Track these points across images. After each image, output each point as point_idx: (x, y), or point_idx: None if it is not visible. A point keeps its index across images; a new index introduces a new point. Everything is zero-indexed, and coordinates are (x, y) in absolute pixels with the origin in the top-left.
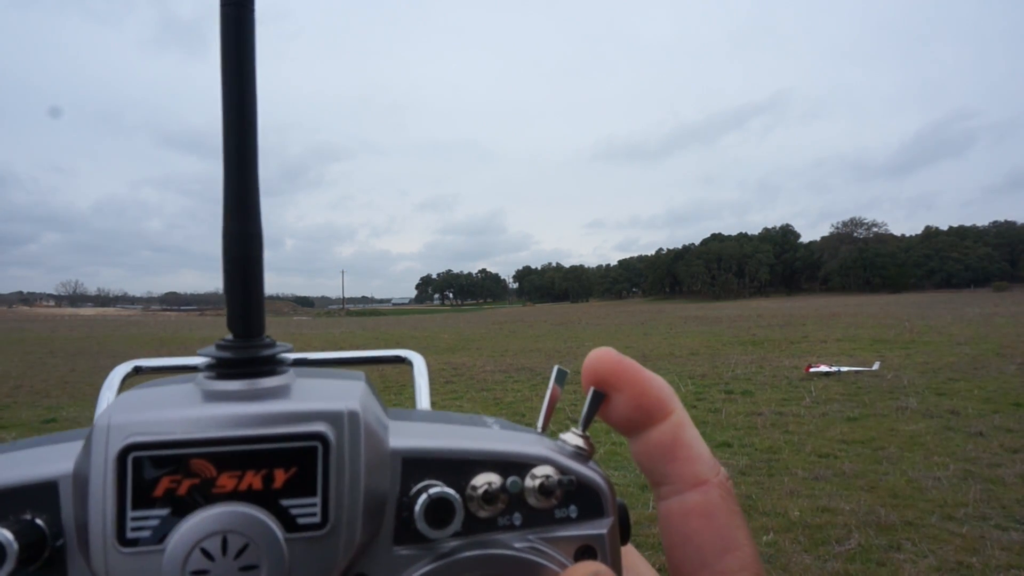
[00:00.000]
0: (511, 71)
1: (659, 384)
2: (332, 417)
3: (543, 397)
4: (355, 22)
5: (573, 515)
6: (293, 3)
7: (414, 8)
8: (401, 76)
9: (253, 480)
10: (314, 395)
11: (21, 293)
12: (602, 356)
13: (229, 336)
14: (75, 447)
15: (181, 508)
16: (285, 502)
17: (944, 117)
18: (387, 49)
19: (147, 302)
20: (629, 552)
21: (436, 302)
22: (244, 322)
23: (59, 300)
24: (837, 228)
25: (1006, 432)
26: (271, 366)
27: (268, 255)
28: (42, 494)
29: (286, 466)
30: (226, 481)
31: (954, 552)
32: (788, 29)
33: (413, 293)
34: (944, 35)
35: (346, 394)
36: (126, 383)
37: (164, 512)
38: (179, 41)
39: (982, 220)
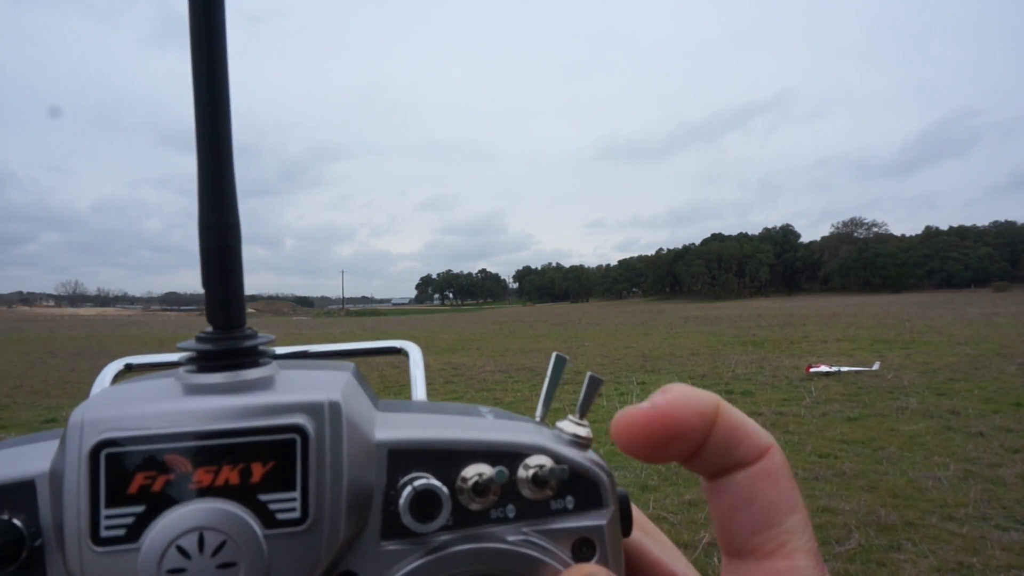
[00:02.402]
0: (512, 70)
1: (692, 401)
2: (312, 408)
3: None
4: (355, 20)
5: (570, 506)
6: (293, 1)
7: (414, 6)
8: (401, 75)
9: (230, 475)
10: (295, 386)
11: (21, 293)
12: (630, 422)
13: (209, 328)
14: (53, 445)
15: (156, 505)
16: (263, 497)
17: (949, 115)
18: (387, 48)
19: (147, 302)
20: (643, 520)
21: (436, 302)
22: (224, 313)
23: (59, 300)
24: (837, 228)
25: (1006, 432)
26: (253, 357)
27: (267, 255)
28: (20, 494)
29: (263, 460)
30: (202, 476)
31: (954, 552)
32: (793, 27)
33: (413, 293)
34: (950, 33)
35: (328, 385)
36: (117, 380)
37: (139, 509)
38: (178, 38)
39: (985, 220)
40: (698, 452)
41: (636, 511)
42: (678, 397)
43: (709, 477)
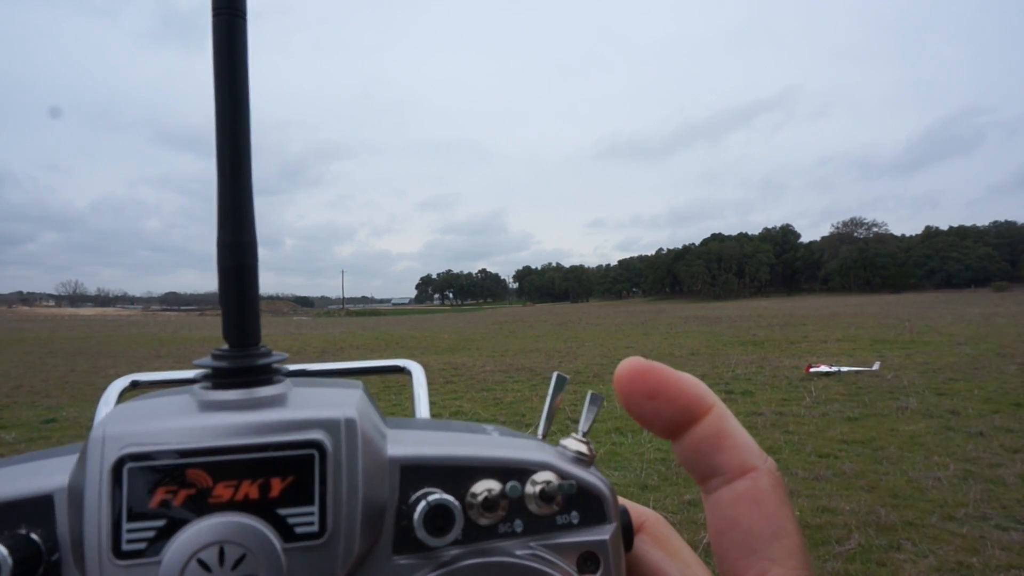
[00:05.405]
0: (512, 69)
1: (693, 382)
2: (329, 425)
3: (543, 397)
4: (356, 19)
5: (575, 521)
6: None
7: (415, 6)
8: (402, 74)
9: (250, 489)
10: (311, 403)
11: (21, 293)
12: (633, 366)
13: (225, 346)
14: (71, 460)
15: (177, 519)
16: (282, 511)
17: (953, 113)
18: (388, 47)
19: (147, 302)
20: (672, 538)
21: (436, 302)
22: (240, 331)
23: (59, 300)
24: (837, 228)
25: (1006, 432)
26: (267, 375)
27: (267, 255)
28: (37, 508)
29: (283, 475)
30: (222, 491)
31: (954, 552)
32: (798, 25)
33: (413, 293)
34: (956, 31)
35: (343, 402)
36: (124, 398)
37: (160, 523)
38: (177, 35)
39: (987, 219)
40: (680, 433)
41: (667, 527)
42: (684, 377)
43: (699, 480)
